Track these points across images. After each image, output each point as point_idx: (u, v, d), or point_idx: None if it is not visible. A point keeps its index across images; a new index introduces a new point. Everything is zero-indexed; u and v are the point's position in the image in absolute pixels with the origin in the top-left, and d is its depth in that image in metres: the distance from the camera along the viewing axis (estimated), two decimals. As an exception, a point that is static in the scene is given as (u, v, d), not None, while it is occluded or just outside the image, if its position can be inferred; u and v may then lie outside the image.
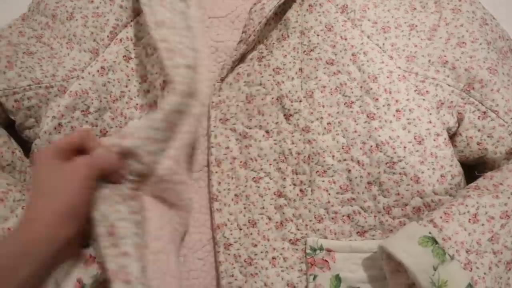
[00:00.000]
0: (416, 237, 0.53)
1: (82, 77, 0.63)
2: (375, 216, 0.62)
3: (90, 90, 0.64)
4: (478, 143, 0.61)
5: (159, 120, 0.54)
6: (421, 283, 0.51)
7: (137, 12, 0.67)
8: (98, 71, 0.64)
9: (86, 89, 0.63)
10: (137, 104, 0.66)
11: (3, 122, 0.65)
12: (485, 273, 0.53)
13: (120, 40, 0.66)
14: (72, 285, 0.51)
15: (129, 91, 0.66)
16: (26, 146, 0.66)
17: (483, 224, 0.53)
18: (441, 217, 0.55)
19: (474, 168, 0.64)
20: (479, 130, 0.60)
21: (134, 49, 0.67)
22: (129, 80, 0.66)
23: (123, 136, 0.52)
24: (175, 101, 0.54)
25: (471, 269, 0.52)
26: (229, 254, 0.62)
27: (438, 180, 0.60)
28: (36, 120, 0.63)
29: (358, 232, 0.62)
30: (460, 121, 0.61)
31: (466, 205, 0.55)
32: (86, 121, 0.64)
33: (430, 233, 0.53)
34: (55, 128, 0.62)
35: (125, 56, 0.66)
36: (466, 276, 0.52)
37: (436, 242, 0.53)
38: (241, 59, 0.66)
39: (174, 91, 0.54)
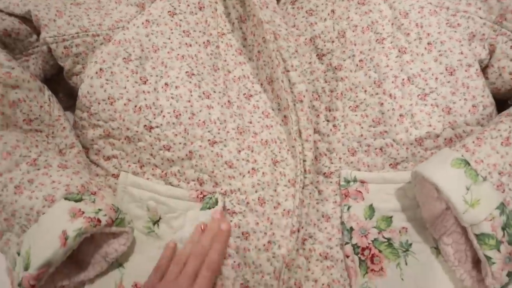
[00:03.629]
0: (448, 160, 0.55)
1: (127, 28, 0.67)
2: (407, 148, 0.64)
3: (133, 40, 0.67)
4: (510, 73, 0.62)
5: None
6: (454, 203, 0.53)
7: None
8: (142, 23, 0.68)
9: (129, 39, 0.67)
10: (178, 55, 0.69)
11: (50, 69, 0.70)
12: (517, 194, 0.54)
13: None
14: (57, 235, 0.54)
15: (171, 42, 0.69)
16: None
17: (515, 147, 0.55)
18: (473, 142, 0.56)
19: (506, 103, 0.65)
20: (511, 60, 0.61)
21: (179, 6, 0.70)
22: (172, 33, 0.69)
23: None
24: None
25: (504, 190, 0.54)
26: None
27: (469, 111, 0.61)
28: (82, 66, 0.67)
29: (391, 164, 0.64)
30: (491, 53, 0.62)
31: (499, 130, 0.56)
32: (127, 68, 0.67)
33: (462, 155, 0.55)
34: (96, 73, 0.66)
35: (169, 11, 0.69)
36: (498, 196, 0.53)
37: (469, 164, 0.54)
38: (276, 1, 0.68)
39: None
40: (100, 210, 0.57)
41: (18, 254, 0.56)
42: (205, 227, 0.64)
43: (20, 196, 0.57)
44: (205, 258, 0.61)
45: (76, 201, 0.57)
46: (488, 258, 0.53)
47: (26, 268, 0.54)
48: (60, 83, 0.73)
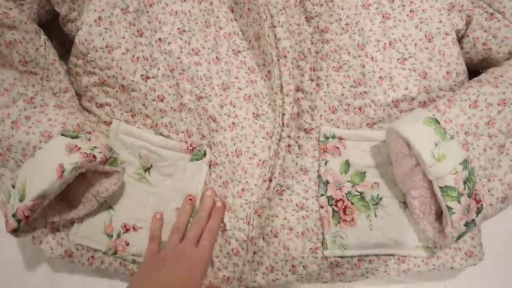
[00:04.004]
0: (420, 118, 0.60)
1: (125, -20, 0.69)
2: (384, 109, 0.68)
3: None
4: (483, 44, 0.66)
5: None
6: (422, 157, 0.58)
7: None
8: (140, -23, 0.69)
9: (127, -10, 0.69)
10: (172, 10, 0.72)
11: (46, 16, 0.71)
12: (480, 154, 0.59)
13: None
14: (54, 168, 0.57)
15: None
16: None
17: (481, 110, 0.60)
18: (444, 104, 0.61)
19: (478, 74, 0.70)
20: (485, 31, 0.66)
21: None
22: None
23: None
24: None
25: (468, 149, 0.59)
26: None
27: (443, 77, 0.66)
28: (78, 14, 0.69)
29: (368, 123, 0.69)
30: (468, 24, 0.67)
31: (468, 93, 0.61)
32: (125, 19, 0.69)
33: (433, 115, 0.60)
34: (95, 21, 0.68)
35: None
36: (463, 153, 0.59)
37: (438, 123, 0.59)
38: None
39: None
40: (95, 147, 0.60)
41: (13, 187, 0.59)
42: (194, 199, 0.69)
43: (17, 131, 0.59)
44: (205, 225, 0.67)
45: (73, 138, 0.60)
46: (449, 209, 0.58)
47: (21, 200, 0.57)
48: (54, 31, 0.74)
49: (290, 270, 0.68)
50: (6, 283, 0.75)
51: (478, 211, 0.59)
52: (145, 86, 0.69)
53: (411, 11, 0.66)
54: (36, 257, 0.75)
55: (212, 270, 0.67)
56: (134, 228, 0.69)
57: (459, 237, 0.61)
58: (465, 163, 0.58)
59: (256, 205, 0.65)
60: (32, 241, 0.67)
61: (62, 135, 0.60)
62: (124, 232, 0.68)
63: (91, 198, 0.65)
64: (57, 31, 0.74)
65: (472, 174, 0.58)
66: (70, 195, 0.65)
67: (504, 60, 0.66)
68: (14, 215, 0.58)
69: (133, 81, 0.69)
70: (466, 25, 0.67)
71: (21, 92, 0.62)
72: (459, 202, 0.58)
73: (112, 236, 0.68)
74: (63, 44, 0.75)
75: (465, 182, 0.58)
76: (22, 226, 0.60)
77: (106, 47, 0.68)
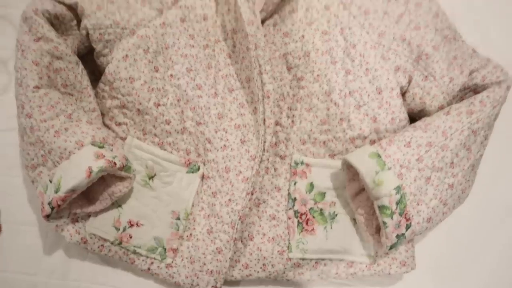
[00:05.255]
0: (367, 152, 0.79)
1: (148, 26, 0.87)
2: (343, 144, 0.87)
3: (152, 37, 0.87)
4: (420, 98, 0.85)
5: None
6: (366, 181, 0.76)
7: None
8: (160, 24, 0.88)
9: (149, 35, 0.87)
10: (182, 53, 0.89)
11: (84, 50, 0.90)
12: (411, 182, 0.77)
13: (180, 6, 0.88)
14: (84, 170, 0.74)
15: (179, 42, 0.89)
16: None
17: (413, 149, 0.78)
18: (386, 142, 0.80)
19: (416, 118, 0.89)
20: (421, 89, 0.85)
21: (188, 15, 0.89)
22: (180, 35, 0.89)
23: None
24: None
25: (402, 178, 0.77)
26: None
27: (389, 122, 0.85)
28: (110, 50, 0.87)
29: (330, 154, 0.87)
30: (409, 82, 0.86)
31: (404, 136, 0.80)
32: (145, 57, 0.87)
33: (377, 151, 0.78)
34: (122, 57, 0.87)
35: (181, 18, 0.88)
36: (397, 181, 0.77)
37: (380, 157, 0.77)
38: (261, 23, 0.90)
39: None
40: (116, 156, 0.78)
41: (50, 181, 0.76)
42: None
43: (58, 139, 0.77)
44: None
45: (99, 147, 0.78)
46: (384, 223, 0.76)
47: (56, 192, 0.75)
48: (87, 61, 0.92)
49: (261, 268, 0.85)
50: (27, 265, 0.91)
51: (407, 227, 0.77)
52: (156, 111, 0.87)
53: (366, 69, 0.85)
54: (54, 245, 0.91)
55: (198, 264, 0.84)
56: (137, 224, 0.85)
57: (392, 247, 0.78)
58: (398, 189, 0.76)
59: (240, 213, 0.83)
60: (55, 229, 0.83)
61: (92, 144, 0.78)
62: (129, 227, 0.85)
63: (107, 197, 0.82)
64: (89, 62, 0.92)
65: (404, 197, 0.76)
66: (91, 193, 0.82)
67: (435, 111, 0.85)
68: (49, 203, 0.75)
69: (147, 106, 0.87)
70: (408, 83, 0.86)
71: (63, 109, 0.80)
72: (392, 218, 0.76)
73: (119, 229, 0.84)
74: (93, 72, 0.93)
75: (397, 203, 0.76)
76: (53, 213, 0.77)
77: (129, 78, 0.87)
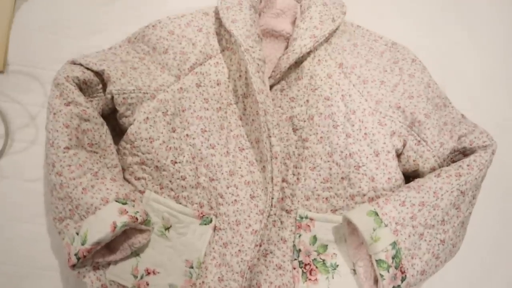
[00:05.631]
0: (365, 210, 0.86)
1: (167, 91, 0.97)
2: (343, 201, 0.95)
3: (170, 100, 0.97)
4: (413, 160, 0.94)
5: None
6: (365, 238, 0.84)
7: (209, 56, 1.00)
8: (177, 89, 0.97)
9: (168, 99, 0.97)
10: (198, 115, 0.98)
11: (108, 111, 0.99)
12: (405, 238, 0.85)
13: (196, 72, 0.99)
14: (109, 224, 0.82)
15: (194, 105, 0.98)
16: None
17: (407, 208, 0.86)
18: (383, 201, 0.88)
19: (410, 178, 0.98)
20: (415, 152, 0.94)
21: (203, 80, 0.99)
22: (196, 99, 0.98)
23: None
24: None
25: (397, 234, 0.85)
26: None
27: (386, 181, 0.93)
28: (131, 112, 0.96)
29: (332, 210, 0.95)
30: (404, 145, 0.95)
31: (399, 196, 0.88)
32: (164, 119, 0.96)
33: (374, 209, 0.86)
34: (143, 120, 0.96)
35: (197, 83, 0.99)
36: (393, 237, 0.84)
37: (377, 215, 0.85)
38: (269, 88, 1.00)
39: None
40: (137, 212, 0.85)
41: (77, 234, 0.84)
42: None
43: (85, 195, 0.85)
44: None
45: (123, 204, 0.85)
46: (381, 276, 0.83)
47: (82, 244, 0.82)
48: (109, 120, 1.01)
49: (268, 314, 0.92)
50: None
51: (403, 279, 0.84)
52: (173, 168, 0.96)
53: (365, 133, 0.94)
54: (73, 290, 0.98)
55: (208, 309, 0.90)
56: (154, 273, 0.92)
57: (388, 298, 0.85)
58: (394, 244, 0.84)
59: (249, 263, 0.90)
60: (77, 275, 0.90)
61: (116, 201, 0.85)
62: (146, 275, 0.91)
63: (127, 247, 0.89)
64: (111, 119, 1.00)
65: (399, 252, 0.84)
66: (112, 243, 0.89)
67: (427, 173, 0.94)
68: (76, 254, 0.82)
69: (164, 164, 0.95)
70: (403, 146, 0.95)
71: (90, 168, 0.88)
72: (388, 271, 0.83)
73: (137, 277, 0.91)
74: (114, 128, 1.02)
75: (393, 258, 0.83)
76: (79, 263, 0.84)
77: (149, 138, 0.95)
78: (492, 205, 1.09)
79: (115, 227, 0.82)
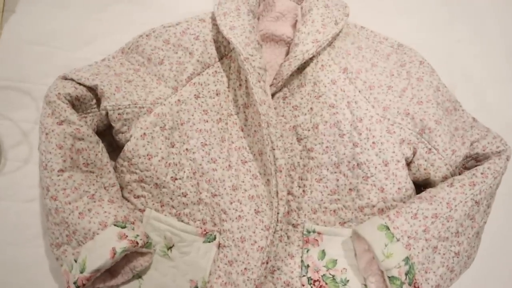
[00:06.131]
0: (376, 224, 0.83)
1: (164, 104, 0.93)
2: (352, 213, 0.91)
3: (167, 114, 0.93)
4: (424, 169, 0.90)
5: None
6: (376, 254, 0.80)
7: (207, 65, 0.96)
8: (175, 102, 0.93)
9: (165, 113, 0.93)
10: (197, 128, 0.94)
11: (103, 127, 0.95)
12: (418, 252, 0.81)
13: (194, 83, 0.95)
14: (108, 250, 0.79)
15: (193, 118, 0.94)
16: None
17: (420, 220, 0.82)
18: (394, 214, 0.84)
19: (422, 186, 0.94)
20: (425, 161, 0.90)
21: (202, 91, 0.95)
22: (195, 111, 0.94)
23: None
24: None
25: (410, 249, 0.81)
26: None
27: (396, 191, 0.89)
28: (128, 128, 0.92)
29: (340, 222, 0.91)
30: (414, 153, 0.90)
31: (411, 208, 0.84)
32: (162, 134, 0.92)
33: (385, 223, 0.82)
34: (140, 136, 0.92)
35: (195, 95, 0.95)
36: (405, 252, 0.80)
37: (389, 229, 0.81)
38: (271, 96, 0.96)
39: None
40: (138, 235, 0.82)
41: (75, 261, 0.80)
42: None
43: (82, 220, 0.81)
44: None
45: (122, 227, 0.82)
46: (395, 293, 0.79)
47: (81, 271, 0.78)
48: (104, 136, 0.97)
49: (276, 331, 0.88)
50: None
51: (417, 295, 0.81)
52: (173, 185, 0.92)
53: (373, 142, 0.90)
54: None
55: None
56: (157, 294, 0.89)
57: (402, 314, 0.82)
58: (407, 259, 0.80)
59: (256, 281, 0.86)
60: (78, 302, 0.87)
61: (115, 225, 0.82)
62: (149, 297, 0.88)
63: (128, 271, 0.85)
64: (107, 135, 0.97)
65: (412, 267, 0.80)
66: (113, 267, 0.85)
67: (439, 182, 0.90)
68: (75, 283, 0.79)
69: (164, 181, 0.92)
70: (413, 154, 0.91)
71: (86, 190, 0.84)
72: (401, 288, 0.79)
73: (139, 300, 0.88)
74: (111, 144, 0.98)
75: (406, 274, 0.80)
76: (78, 291, 0.80)
77: (147, 155, 0.91)
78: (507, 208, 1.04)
79: (114, 253, 0.78)
